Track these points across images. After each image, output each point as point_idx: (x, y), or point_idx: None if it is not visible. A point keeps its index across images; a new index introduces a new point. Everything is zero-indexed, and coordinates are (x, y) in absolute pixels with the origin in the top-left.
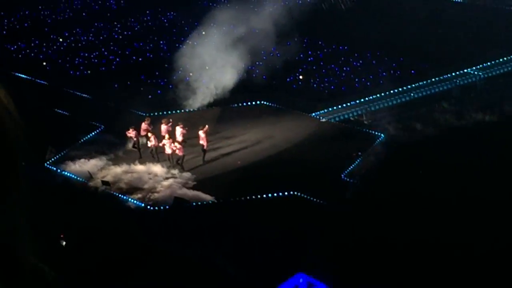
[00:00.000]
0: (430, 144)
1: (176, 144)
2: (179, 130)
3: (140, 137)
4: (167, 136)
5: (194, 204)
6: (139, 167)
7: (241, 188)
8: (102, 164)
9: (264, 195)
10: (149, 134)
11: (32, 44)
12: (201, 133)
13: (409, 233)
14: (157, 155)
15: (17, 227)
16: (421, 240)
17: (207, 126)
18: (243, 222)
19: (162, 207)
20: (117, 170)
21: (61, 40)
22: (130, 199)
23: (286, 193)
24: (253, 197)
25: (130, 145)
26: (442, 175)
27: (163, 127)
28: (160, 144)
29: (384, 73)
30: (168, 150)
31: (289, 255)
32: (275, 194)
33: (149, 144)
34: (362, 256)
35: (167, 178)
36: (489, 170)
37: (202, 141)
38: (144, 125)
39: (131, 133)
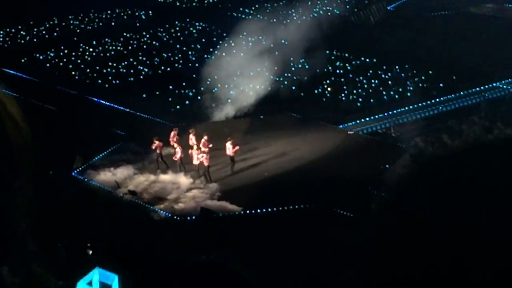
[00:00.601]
0: (459, 159)
1: (202, 154)
2: (202, 141)
3: (163, 149)
4: (195, 146)
5: (221, 215)
6: (164, 177)
7: (268, 199)
8: (129, 174)
9: (291, 207)
10: (175, 145)
11: (61, 53)
12: (228, 145)
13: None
14: (183, 166)
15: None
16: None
17: (232, 137)
18: (267, 233)
19: (189, 218)
20: (142, 179)
21: (90, 49)
22: (157, 209)
23: (312, 205)
24: (280, 208)
25: (155, 156)
26: (468, 193)
27: (191, 137)
28: (189, 153)
29: (412, 86)
30: (195, 161)
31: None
32: (302, 206)
33: (176, 156)
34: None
35: (192, 189)
36: None
37: (229, 152)
38: (172, 136)
39: (156, 144)
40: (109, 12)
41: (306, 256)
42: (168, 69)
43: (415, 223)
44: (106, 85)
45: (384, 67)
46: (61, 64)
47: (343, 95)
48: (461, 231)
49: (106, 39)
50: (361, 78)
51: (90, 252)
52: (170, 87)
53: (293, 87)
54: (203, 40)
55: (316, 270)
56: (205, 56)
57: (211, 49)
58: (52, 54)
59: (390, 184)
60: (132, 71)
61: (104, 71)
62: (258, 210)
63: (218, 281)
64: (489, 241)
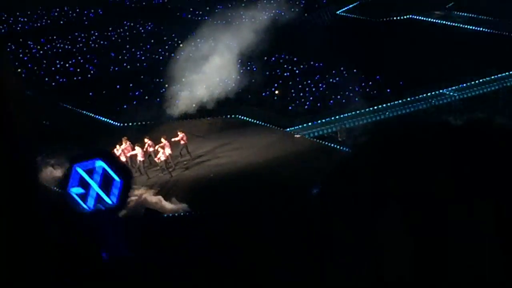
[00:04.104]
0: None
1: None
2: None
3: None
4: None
5: (165, 215)
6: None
7: (211, 201)
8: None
9: (234, 209)
10: (136, 150)
11: (8, 50)
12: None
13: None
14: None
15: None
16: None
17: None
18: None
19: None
20: None
21: (38, 47)
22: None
23: (255, 207)
24: (223, 210)
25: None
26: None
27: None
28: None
29: (360, 91)
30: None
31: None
32: (242, 209)
33: (137, 158)
34: None
35: (137, 188)
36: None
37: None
38: (125, 146)
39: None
40: (57, 9)
41: (240, 259)
42: (116, 68)
43: (355, 226)
44: (53, 84)
45: (332, 71)
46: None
47: (290, 98)
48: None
49: (54, 37)
50: (308, 81)
51: None
52: (118, 86)
53: (240, 90)
54: (152, 40)
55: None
56: (154, 56)
57: (159, 50)
58: None
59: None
60: (79, 69)
61: (52, 69)
62: (199, 212)
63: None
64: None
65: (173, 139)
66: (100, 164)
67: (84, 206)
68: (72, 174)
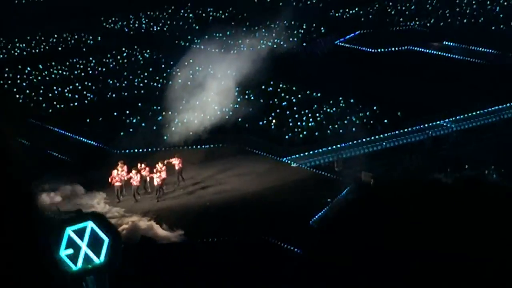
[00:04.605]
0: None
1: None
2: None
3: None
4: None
5: (160, 243)
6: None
7: (208, 229)
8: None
9: (231, 238)
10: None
11: (5, 75)
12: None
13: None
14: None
15: None
16: None
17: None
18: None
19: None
20: (83, 201)
21: (36, 72)
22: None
23: (253, 237)
24: (220, 239)
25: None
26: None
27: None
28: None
29: (356, 121)
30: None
31: None
32: (239, 238)
33: (133, 183)
34: None
35: (130, 215)
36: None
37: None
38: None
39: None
40: (56, 36)
41: None
42: (114, 95)
43: (356, 258)
44: (50, 110)
45: (330, 101)
46: (6, 86)
47: (287, 127)
48: (401, 264)
49: (52, 63)
50: (306, 111)
51: None
52: (115, 113)
53: (238, 118)
54: (150, 68)
55: None
56: (151, 84)
57: (157, 77)
58: None
59: (330, 217)
60: (76, 96)
61: (50, 94)
62: (198, 240)
63: None
64: (426, 272)
65: (170, 160)
66: (89, 224)
67: (73, 267)
68: (63, 236)
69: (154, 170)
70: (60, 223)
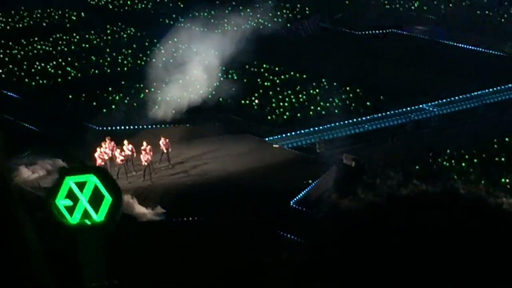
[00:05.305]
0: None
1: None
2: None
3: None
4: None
5: (139, 221)
6: None
7: (188, 209)
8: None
9: (210, 218)
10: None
11: None
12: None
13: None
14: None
15: None
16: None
17: (145, 143)
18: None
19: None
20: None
21: (19, 48)
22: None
23: (232, 217)
24: (200, 218)
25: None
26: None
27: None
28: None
29: (339, 103)
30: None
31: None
32: (217, 218)
33: (117, 160)
34: None
35: None
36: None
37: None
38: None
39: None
40: (39, 11)
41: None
42: (96, 72)
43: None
44: (33, 84)
45: (313, 83)
46: None
47: (270, 108)
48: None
49: (35, 38)
50: (289, 92)
51: None
52: (97, 90)
53: (221, 98)
54: (133, 45)
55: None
56: (134, 61)
57: (140, 55)
58: None
59: (313, 199)
60: (59, 72)
61: (32, 70)
62: (176, 219)
63: None
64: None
65: (161, 143)
66: (92, 179)
67: (70, 219)
68: (62, 186)
69: (142, 150)
70: (61, 172)
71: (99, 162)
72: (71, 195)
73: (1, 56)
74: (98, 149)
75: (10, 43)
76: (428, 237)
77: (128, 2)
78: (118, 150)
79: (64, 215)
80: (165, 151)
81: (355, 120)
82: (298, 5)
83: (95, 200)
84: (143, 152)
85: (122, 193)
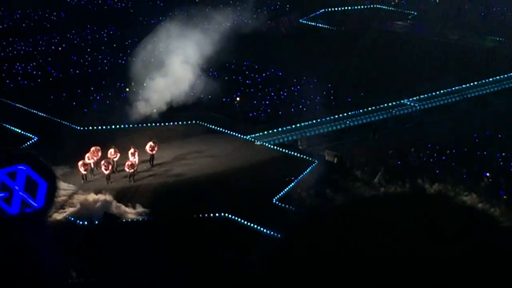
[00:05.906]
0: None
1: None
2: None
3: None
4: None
5: (124, 220)
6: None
7: (170, 207)
8: None
9: (193, 215)
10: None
11: None
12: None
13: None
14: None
15: None
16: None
17: (132, 148)
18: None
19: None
20: None
21: None
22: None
23: (215, 215)
24: (183, 217)
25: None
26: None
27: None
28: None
29: (321, 99)
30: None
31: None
32: (204, 215)
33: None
34: None
35: (91, 192)
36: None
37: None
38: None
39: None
40: (19, 12)
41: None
42: (77, 71)
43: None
44: (12, 85)
45: (294, 79)
46: None
47: (251, 105)
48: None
49: (16, 39)
50: (270, 89)
51: None
52: (79, 90)
53: (202, 96)
54: (114, 44)
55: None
56: (115, 61)
57: (121, 54)
58: None
59: (296, 197)
60: (40, 72)
61: (13, 71)
62: (161, 218)
63: None
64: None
65: (148, 148)
66: (22, 168)
67: (9, 210)
68: None
69: (130, 155)
70: None
71: (81, 171)
72: (4, 186)
73: None
74: (85, 157)
75: None
76: (395, 236)
77: (108, 2)
78: (105, 163)
79: (3, 207)
80: (149, 153)
81: (336, 116)
82: (278, 2)
83: (30, 187)
84: (131, 156)
85: (56, 177)
